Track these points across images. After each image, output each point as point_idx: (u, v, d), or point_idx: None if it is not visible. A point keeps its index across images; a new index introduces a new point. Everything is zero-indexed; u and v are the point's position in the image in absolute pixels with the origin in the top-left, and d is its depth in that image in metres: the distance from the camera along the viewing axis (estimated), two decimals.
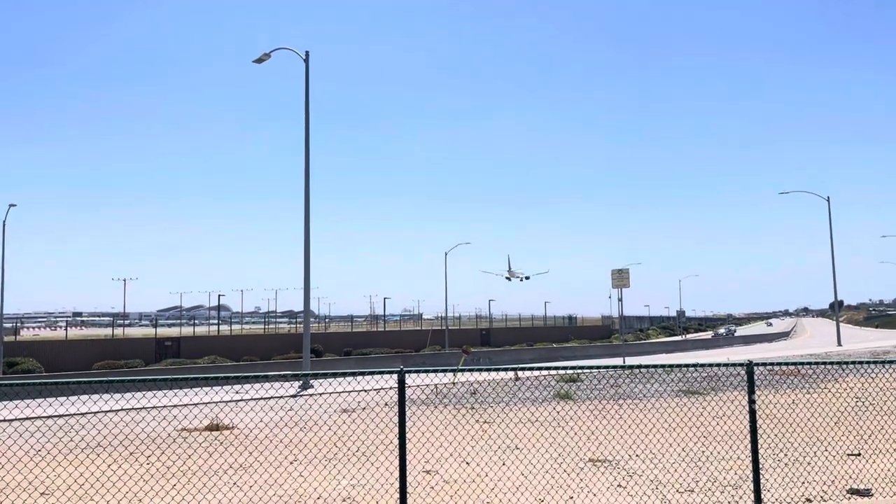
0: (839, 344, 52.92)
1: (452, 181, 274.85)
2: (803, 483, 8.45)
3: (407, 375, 6.93)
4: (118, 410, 16.58)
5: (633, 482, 8.72)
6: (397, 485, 6.86)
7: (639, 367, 9.91)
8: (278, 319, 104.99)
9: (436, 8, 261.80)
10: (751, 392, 7.67)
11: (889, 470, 8.94)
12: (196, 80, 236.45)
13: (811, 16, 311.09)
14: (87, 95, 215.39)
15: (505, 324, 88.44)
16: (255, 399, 19.23)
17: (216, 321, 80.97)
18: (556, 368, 10.81)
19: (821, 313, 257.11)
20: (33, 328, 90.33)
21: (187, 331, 64.58)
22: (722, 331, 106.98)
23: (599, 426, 12.02)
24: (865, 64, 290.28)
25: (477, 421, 14.18)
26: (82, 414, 14.05)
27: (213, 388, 23.31)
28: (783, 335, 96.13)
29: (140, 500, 8.25)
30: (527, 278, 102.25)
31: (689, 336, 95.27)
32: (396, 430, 6.89)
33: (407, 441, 6.85)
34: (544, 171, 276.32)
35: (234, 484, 8.89)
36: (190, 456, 10.82)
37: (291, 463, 10.09)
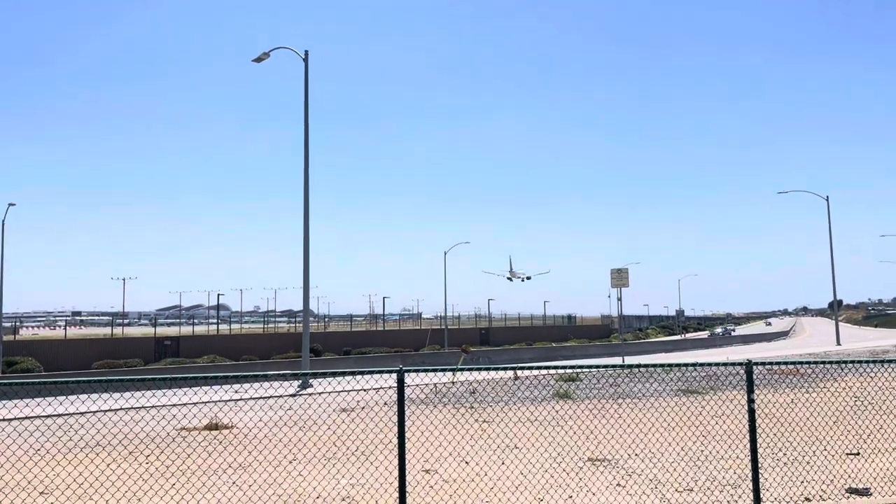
0: (838, 343, 52.97)
1: (452, 181, 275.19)
2: (802, 482, 8.46)
3: (406, 375, 6.93)
4: (117, 410, 16.57)
5: (633, 481, 8.72)
6: (396, 484, 6.86)
7: (638, 366, 9.91)
8: (277, 319, 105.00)
9: (436, 8, 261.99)
10: (750, 391, 7.67)
11: (888, 469, 8.95)
12: (196, 80, 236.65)
13: (811, 16, 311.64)
14: (87, 95, 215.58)
15: (504, 323, 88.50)
16: (254, 398, 19.23)
17: (215, 320, 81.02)
18: (556, 368, 10.80)
19: (820, 313, 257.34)
20: (32, 327, 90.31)
21: (186, 330, 64.50)
22: (719, 330, 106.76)
23: (598, 425, 12.03)
24: (865, 64, 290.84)
25: (476, 420, 14.18)
26: (81, 413, 14.05)
27: (213, 387, 23.31)
28: (782, 334, 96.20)
29: (139, 500, 8.25)
30: (528, 278, 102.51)
31: (688, 335, 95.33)
32: (396, 429, 6.89)
33: (406, 440, 6.85)
34: (544, 171, 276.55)
35: (234, 483, 8.89)
36: (189, 455, 10.82)
37: (291, 462, 10.09)
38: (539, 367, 8.73)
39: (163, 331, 62.09)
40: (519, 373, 22.76)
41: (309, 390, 22.63)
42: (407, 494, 6.93)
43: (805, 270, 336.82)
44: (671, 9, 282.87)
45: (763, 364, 12.72)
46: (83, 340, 51.55)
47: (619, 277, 35.19)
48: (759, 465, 7.72)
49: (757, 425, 7.73)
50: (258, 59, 27.79)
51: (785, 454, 10.08)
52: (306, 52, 27.83)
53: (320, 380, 24.22)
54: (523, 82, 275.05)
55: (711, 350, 58.02)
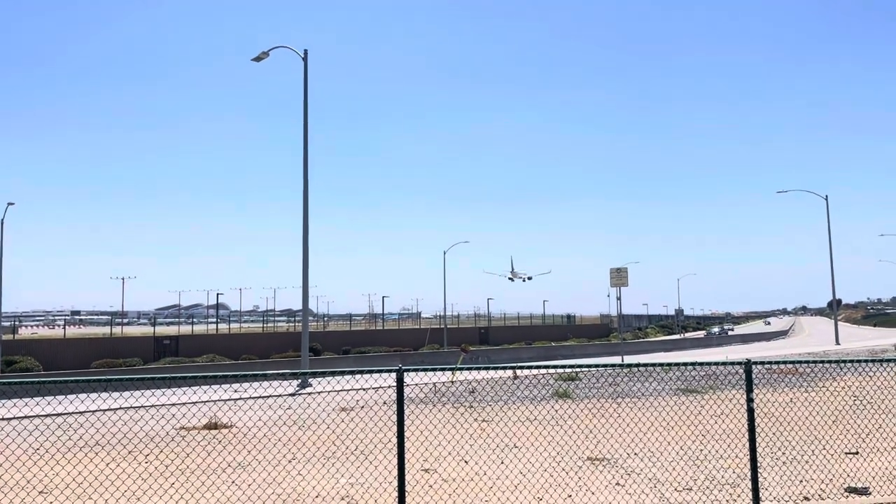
0: (837, 342, 53.03)
1: (452, 181, 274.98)
2: (801, 481, 8.46)
3: (405, 374, 6.93)
4: (116, 409, 16.58)
5: (632, 480, 8.73)
6: (396, 483, 6.87)
7: (637, 365, 9.92)
8: (277, 318, 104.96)
9: (436, 8, 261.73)
10: (749, 390, 7.68)
11: (887, 469, 8.96)
12: (196, 80, 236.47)
13: (811, 16, 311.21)
14: (86, 94, 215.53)
15: (503, 322, 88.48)
16: (253, 398, 19.24)
17: (215, 320, 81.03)
18: (555, 367, 10.82)
19: (819, 312, 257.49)
20: (32, 327, 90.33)
21: (186, 329, 64.47)
22: (715, 330, 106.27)
23: (598, 425, 12.03)
24: (865, 64, 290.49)
25: (475, 419, 14.18)
26: (81, 412, 14.05)
27: (212, 386, 23.33)
28: (781, 334, 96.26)
29: (139, 499, 8.25)
30: (529, 279, 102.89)
31: (687, 335, 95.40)
32: (395, 428, 6.90)
33: (405, 440, 6.86)
34: (544, 171, 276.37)
35: (233, 482, 8.89)
36: (188, 454, 10.81)
37: (290, 461, 10.09)
38: (538, 367, 8.76)
39: (162, 330, 62.03)
40: (518, 372, 22.72)
41: (308, 389, 22.64)
42: (406, 494, 6.93)
43: (804, 270, 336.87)
44: (671, 9, 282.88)
45: (762, 363, 12.72)
46: (82, 340, 51.52)
47: (619, 277, 35.22)
48: (759, 465, 7.73)
49: (756, 424, 7.74)
50: (257, 59, 27.80)
51: (784, 453, 10.09)
52: (305, 52, 27.85)
53: (319, 379, 24.22)
54: (523, 82, 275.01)
55: (710, 349, 58.05)
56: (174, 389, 19.40)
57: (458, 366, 16.97)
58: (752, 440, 7.61)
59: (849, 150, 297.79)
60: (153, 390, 20.19)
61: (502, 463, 9.75)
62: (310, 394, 21.35)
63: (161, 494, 8.26)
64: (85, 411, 14.17)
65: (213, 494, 8.14)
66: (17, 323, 73.87)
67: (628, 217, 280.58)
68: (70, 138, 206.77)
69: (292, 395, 21.26)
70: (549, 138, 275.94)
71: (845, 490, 8.05)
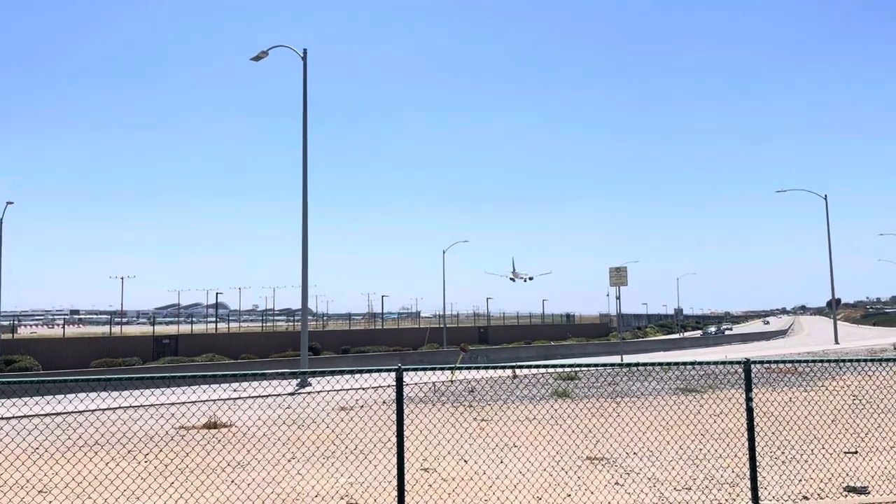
0: (836, 342, 53.05)
1: (452, 180, 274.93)
2: (800, 481, 8.47)
3: (405, 373, 6.93)
4: (116, 408, 16.57)
5: (631, 480, 8.73)
6: (395, 482, 6.87)
7: (636, 365, 9.93)
8: (276, 317, 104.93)
9: (436, 8, 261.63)
10: (748, 390, 7.68)
11: (886, 468, 8.96)
12: (195, 79, 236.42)
13: (811, 16, 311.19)
14: (86, 94, 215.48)
15: (503, 322, 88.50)
16: (252, 397, 19.24)
17: (214, 319, 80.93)
18: (554, 366, 10.83)
19: (818, 311, 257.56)
20: (31, 326, 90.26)
21: (185, 329, 64.42)
22: (712, 329, 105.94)
23: (597, 424, 12.04)
24: (865, 64, 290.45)
25: (475, 419, 14.19)
26: (80, 412, 14.04)
27: (211, 385, 23.33)
28: (780, 333, 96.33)
29: (138, 498, 8.25)
30: (530, 279, 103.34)
31: (687, 334, 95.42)
32: (394, 427, 6.90)
33: (405, 439, 6.86)
34: (544, 171, 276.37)
35: (232, 482, 8.89)
36: (188, 454, 10.81)
37: (289, 461, 10.09)
38: (538, 366, 8.77)
39: (161, 329, 62.04)
40: (518, 371, 22.76)
41: (308, 389, 22.63)
42: (406, 493, 6.93)
43: (803, 269, 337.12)
44: (671, 9, 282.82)
45: (761, 363, 12.72)
46: (81, 339, 51.50)
47: (618, 276, 35.21)
48: (758, 464, 7.73)
49: (755, 424, 7.75)
50: (257, 58, 27.79)
51: (783, 453, 10.09)
52: (305, 51, 27.84)
53: (319, 378, 24.23)
54: (523, 82, 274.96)
55: (710, 349, 58.09)
56: (173, 389, 19.39)
57: (458, 365, 16.97)
58: (752, 439, 7.62)
59: (848, 150, 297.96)
60: (152, 389, 20.20)
61: (501, 462, 9.76)
62: (309, 393, 21.35)
63: (160, 494, 8.26)
64: (84, 410, 14.17)
65: (213, 494, 8.14)
66: (16, 322, 73.77)
67: (628, 217, 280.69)
68: (70, 138, 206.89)
69: (292, 394, 21.26)
70: (549, 138, 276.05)
71: (844, 489, 8.06)
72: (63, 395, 17.61)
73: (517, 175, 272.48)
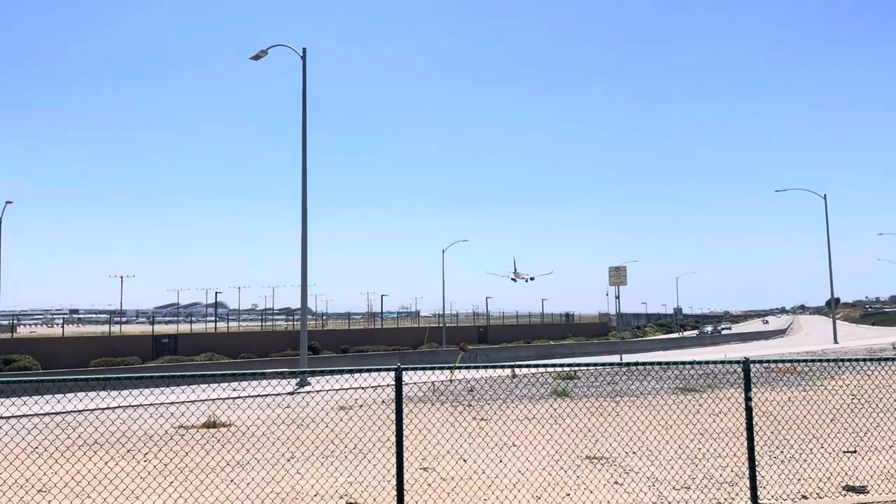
0: (835, 341, 53.08)
1: (451, 180, 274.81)
2: (799, 480, 8.48)
3: (404, 373, 6.94)
4: (115, 408, 16.58)
5: (630, 479, 8.74)
6: (394, 482, 6.88)
7: (636, 364, 9.94)
8: (276, 317, 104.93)
9: (436, 8, 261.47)
10: (747, 389, 7.69)
11: (885, 467, 8.97)
12: (195, 79, 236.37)
13: (811, 16, 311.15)
14: (86, 94, 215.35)
15: (502, 321, 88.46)
16: (252, 396, 19.24)
17: (213, 318, 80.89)
18: (554, 366, 10.82)
19: (817, 311, 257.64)
20: (30, 325, 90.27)
21: (184, 328, 64.41)
22: (708, 329, 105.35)
23: (596, 423, 12.04)
24: (865, 64, 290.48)
25: (474, 418, 14.19)
26: (79, 411, 14.03)
27: (211, 385, 23.32)
28: (780, 333, 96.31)
29: (137, 497, 8.25)
30: (531, 279, 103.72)
31: (685, 334, 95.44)
32: (394, 427, 6.90)
33: (404, 438, 6.86)
34: (544, 171, 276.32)
35: (232, 481, 8.89)
36: (187, 453, 10.82)
37: (289, 460, 10.09)
38: (537, 365, 8.77)
39: (161, 329, 61.91)
40: (517, 371, 22.78)
41: (307, 388, 22.63)
42: (405, 492, 6.94)
43: (803, 269, 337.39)
44: (671, 9, 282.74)
45: (760, 362, 12.75)
46: (81, 338, 51.44)
47: (617, 275, 35.21)
48: (757, 463, 7.74)
49: (754, 423, 7.76)
50: (256, 57, 27.79)
51: (782, 452, 10.10)
52: (304, 50, 27.83)
53: (318, 378, 24.23)
54: (523, 82, 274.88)
55: (709, 348, 58.11)
56: (173, 388, 19.38)
57: (457, 364, 16.97)
58: (751, 439, 7.63)
59: (848, 150, 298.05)
60: (152, 389, 20.18)
61: (501, 461, 9.76)
62: (308, 392, 21.35)
63: (160, 493, 8.26)
64: (83, 410, 14.16)
65: (212, 493, 8.14)
66: (15, 321, 73.79)
67: (628, 217, 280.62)
68: (70, 138, 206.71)
69: (291, 393, 21.25)
70: (549, 138, 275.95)
71: (843, 488, 8.06)
72: (62, 395, 17.61)
73: (517, 175, 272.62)
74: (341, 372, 7.17)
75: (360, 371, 7.43)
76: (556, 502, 7.73)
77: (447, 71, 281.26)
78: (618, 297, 36.73)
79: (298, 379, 24.23)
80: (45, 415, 14.69)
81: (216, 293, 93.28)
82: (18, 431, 12.35)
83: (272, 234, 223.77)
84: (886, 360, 9.47)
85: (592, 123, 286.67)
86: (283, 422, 14.17)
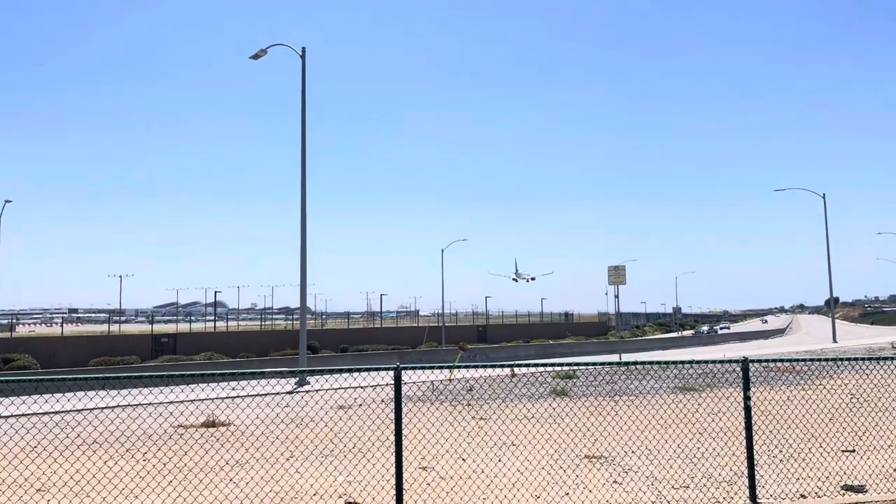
0: (834, 341, 53.12)
1: (452, 181, 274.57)
2: (798, 479, 8.48)
3: (403, 372, 6.94)
4: (114, 407, 16.57)
5: (629, 478, 8.74)
6: (394, 481, 6.88)
7: (635, 363, 9.95)
8: (275, 316, 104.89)
9: (436, 8, 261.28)
10: (746, 388, 7.70)
11: (883, 466, 8.98)
12: (195, 79, 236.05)
13: (811, 16, 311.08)
14: (86, 94, 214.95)
15: (502, 321, 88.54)
16: (251, 395, 19.23)
17: (213, 318, 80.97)
18: (553, 365, 10.84)
19: (816, 310, 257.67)
20: (29, 324, 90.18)
21: (184, 327, 64.42)
22: (704, 328, 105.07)
23: (595, 423, 12.05)
24: (865, 64, 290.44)
25: (473, 417, 14.20)
26: (78, 410, 14.04)
27: (210, 384, 23.33)
28: (779, 332, 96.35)
29: (136, 497, 8.25)
30: (532, 279, 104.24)
31: (685, 333, 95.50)
32: (393, 426, 6.90)
33: (403, 437, 6.87)
34: (544, 171, 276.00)
35: (231, 480, 8.89)
36: (186, 452, 10.82)
37: (288, 459, 10.09)
38: (536, 365, 8.78)
39: (160, 328, 61.91)
40: (516, 370, 22.78)
41: (306, 387, 22.64)
42: (404, 491, 6.94)
43: (802, 268, 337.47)
44: (671, 9, 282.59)
45: (759, 361, 12.76)
46: (80, 337, 51.44)
47: (617, 275, 35.21)
48: (755, 462, 7.75)
49: (753, 422, 7.77)
50: (255, 56, 27.80)
51: (781, 451, 10.11)
52: (303, 49, 27.83)
53: (317, 377, 24.23)
54: (523, 82, 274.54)
55: (708, 347, 58.16)
56: (172, 387, 19.39)
57: (456, 364, 16.97)
58: (749, 438, 7.64)
59: (848, 150, 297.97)
60: (151, 388, 20.18)
61: (500, 461, 9.76)
62: (308, 392, 21.35)
63: (159, 492, 8.26)
64: (82, 409, 14.17)
65: (211, 492, 8.14)
66: (14, 321, 73.76)
67: (628, 217, 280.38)
68: (70, 138, 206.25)
69: (290, 392, 21.25)
70: (549, 138, 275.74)
71: (842, 488, 8.07)
72: (61, 394, 17.61)
73: (517, 175, 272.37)
74: (340, 371, 7.19)
75: (359, 370, 7.43)
76: (556, 501, 7.73)
77: (447, 71, 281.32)
78: (617, 297, 36.77)
79: (297, 378, 24.23)
80: (43, 414, 14.69)
81: (215, 292, 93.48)
82: (17, 431, 12.35)
83: (272, 234, 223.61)
84: (885, 359, 9.48)
85: (592, 123, 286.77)
86: (283, 421, 14.17)
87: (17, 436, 12.14)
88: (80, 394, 16.95)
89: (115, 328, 62.33)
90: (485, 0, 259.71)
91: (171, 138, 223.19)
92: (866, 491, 7.93)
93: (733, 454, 9.78)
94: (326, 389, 20.64)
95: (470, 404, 16.49)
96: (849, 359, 9.23)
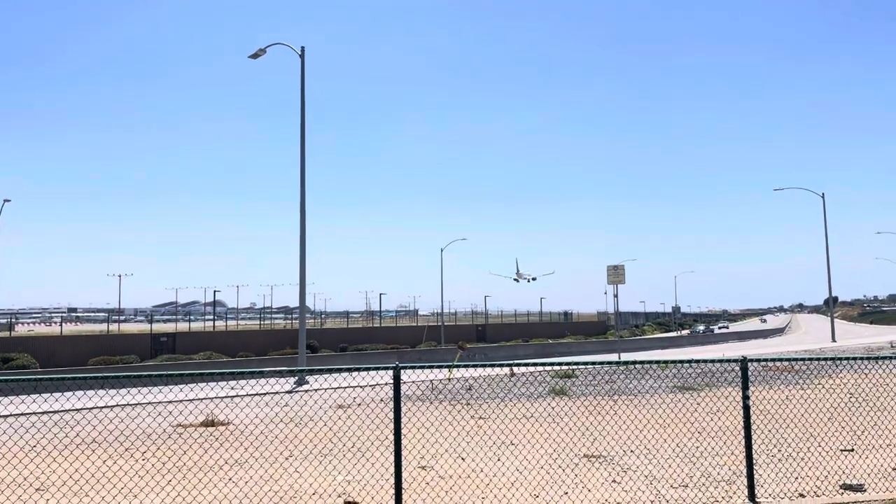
0: (833, 340, 53.15)
1: (452, 181, 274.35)
2: (797, 478, 8.49)
3: (402, 371, 6.94)
4: (113, 406, 16.57)
5: (628, 477, 8.75)
6: (393, 480, 6.88)
7: (634, 363, 9.96)
8: (274, 315, 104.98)
9: (436, 8, 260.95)
10: (745, 388, 7.71)
11: (882, 466, 8.99)
12: (194, 78, 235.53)
13: (811, 16, 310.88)
14: (86, 94, 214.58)
15: (501, 320, 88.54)
16: (250, 395, 19.24)
17: (212, 317, 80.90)
18: (552, 364, 10.84)
19: (815, 309, 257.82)
20: (28, 324, 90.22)
21: (183, 326, 64.43)
22: (700, 328, 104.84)
23: (594, 422, 12.06)
24: (865, 64, 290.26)
25: (472, 417, 14.20)
26: (77, 410, 14.05)
27: (209, 383, 23.34)
28: (778, 331, 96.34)
29: (135, 496, 8.25)
30: (534, 279, 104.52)
31: (684, 332, 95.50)
32: (392, 425, 6.91)
33: (402, 437, 6.87)
34: (544, 171, 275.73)
35: (230, 480, 8.90)
36: (185, 452, 10.82)
37: (287, 459, 10.09)
38: (535, 364, 8.79)
39: (159, 327, 61.87)
40: (515, 369, 22.79)
41: (305, 387, 22.63)
42: (403, 491, 6.94)
43: (801, 267, 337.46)
44: (671, 9, 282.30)
45: (758, 361, 12.77)
46: (79, 337, 51.41)
47: (616, 274, 35.22)
48: (754, 461, 7.76)
49: (752, 422, 7.77)
50: (254, 56, 27.80)
51: (780, 450, 10.12)
52: (302, 49, 27.83)
53: (316, 376, 24.23)
54: (523, 82, 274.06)
55: (707, 347, 58.16)
56: (171, 387, 19.38)
57: (456, 363, 16.98)
58: (748, 437, 7.64)
59: (848, 150, 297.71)
60: (150, 387, 20.18)
61: (499, 460, 9.77)
62: (307, 391, 21.35)
63: (158, 491, 8.26)
64: (81, 408, 14.17)
65: (210, 491, 8.15)
66: (13, 320, 73.78)
67: (628, 217, 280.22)
68: (70, 138, 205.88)
69: (289, 392, 21.25)
70: (549, 138, 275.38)
71: (840, 487, 8.08)
72: (60, 393, 17.60)
73: (517, 175, 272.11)
74: (339, 370, 7.20)
75: (358, 370, 7.44)
76: (554, 501, 7.74)
77: (447, 71, 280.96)
78: (616, 296, 36.79)
79: (297, 377, 24.22)
80: (43, 413, 14.69)
81: (215, 292, 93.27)
82: (16, 430, 12.35)
83: (271, 234, 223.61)
84: (884, 358, 9.49)
85: (592, 123, 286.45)
86: (282, 420, 14.17)
87: (16, 435, 12.14)
88: (79, 393, 16.92)
89: (114, 327, 62.35)
90: (485, 0, 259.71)
91: (171, 138, 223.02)
92: (865, 490, 7.94)
93: (732, 453, 9.79)
94: (325, 389, 20.64)
95: (469, 403, 16.49)
96: (848, 358, 9.24)
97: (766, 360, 9.19)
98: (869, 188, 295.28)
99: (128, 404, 17.49)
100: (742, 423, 7.73)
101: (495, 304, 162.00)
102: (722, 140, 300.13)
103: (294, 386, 22.95)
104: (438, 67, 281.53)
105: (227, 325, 74.00)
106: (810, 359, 9.14)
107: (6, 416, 15.30)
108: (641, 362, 9.28)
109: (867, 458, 9.41)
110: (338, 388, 20.47)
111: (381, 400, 17.30)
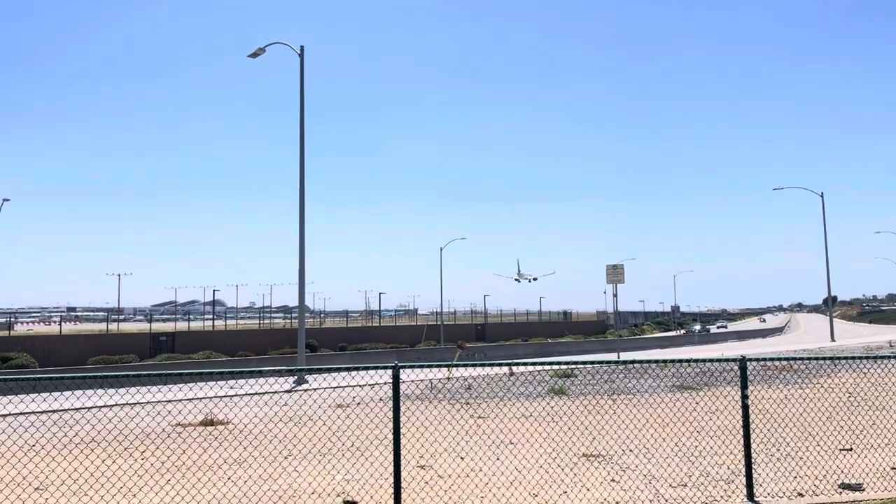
0: (832, 339, 53.19)
1: (452, 181, 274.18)
2: (795, 477, 8.50)
3: (402, 370, 6.95)
4: (112, 406, 16.55)
5: (627, 477, 8.76)
6: (392, 479, 6.89)
7: (633, 362, 9.97)
8: (273, 314, 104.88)
9: (436, 8, 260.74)
10: (744, 387, 7.71)
11: (881, 465, 9.00)
12: (194, 78, 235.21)
13: (811, 16, 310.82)
14: (86, 94, 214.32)
15: (500, 319, 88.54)
16: (249, 394, 19.24)
17: (211, 316, 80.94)
18: (551, 364, 10.85)
19: (815, 309, 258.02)
20: (27, 323, 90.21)
21: (182, 326, 64.44)
22: (696, 328, 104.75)
23: (593, 421, 12.06)
24: (865, 64, 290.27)
25: (471, 416, 14.21)
26: (76, 409, 14.05)
27: (208, 383, 23.34)
28: (777, 331, 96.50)
29: (134, 495, 8.25)
30: (535, 280, 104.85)
31: (683, 331, 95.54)
32: (391, 425, 6.91)
33: (401, 436, 6.87)
34: (544, 171, 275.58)
35: (229, 479, 8.90)
36: (184, 451, 10.82)
37: (286, 458, 10.09)
38: (534, 363, 8.79)
39: (158, 327, 61.85)
40: (514, 368, 22.78)
41: (304, 386, 22.64)
42: (402, 490, 6.95)
43: (801, 267, 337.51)
44: (671, 9, 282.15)
45: (757, 360, 12.76)
46: (78, 336, 51.41)
47: (615, 273, 35.22)
48: (753, 461, 7.77)
49: (750, 421, 7.78)
50: (254, 55, 27.79)
51: (778, 450, 10.13)
52: (302, 48, 27.81)
53: (316, 375, 24.23)
54: (523, 82, 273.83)
55: (706, 346, 58.22)
56: (170, 386, 19.38)
57: (455, 362, 16.98)
58: (747, 436, 7.65)
59: (847, 150, 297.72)
60: (149, 387, 20.17)
61: (498, 459, 9.77)
62: (306, 390, 21.35)
63: (157, 491, 8.26)
64: (81, 408, 14.17)
65: (209, 491, 8.15)
66: (12, 319, 73.67)
67: (628, 217, 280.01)
68: (70, 138, 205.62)
69: (288, 391, 21.25)
70: (549, 138, 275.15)
71: (839, 486, 8.09)
72: (59, 393, 17.59)
73: (517, 175, 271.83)
74: (339, 370, 7.21)
75: (357, 369, 7.45)
76: (553, 500, 7.75)
77: (447, 71, 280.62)
78: (615, 296, 36.77)
79: (296, 377, 24.22)
80: (42, 412, 14.70)
81: (214, 291, 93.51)
82: (16, 429, 12.35)
83: (271, 233, 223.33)
84: (883, 358, 9.50)
85: (592, 123, 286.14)
86: (281, 419, 14.17)
87: (15, 434, 12.14)
88: (78, 392, 16.89)
89: (113, 327, 62.29)
90: (484, 0, 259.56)
91: (171, 138, 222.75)
92: (864, 489, 7.95)
93: (731, 453, 9.79)
94: (325, 388, 20.63)
95: (468, 403, 16.50)
96: (847, 357, 9.24)
97: (764, 359, 9.20)
98: (868, 188, 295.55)
99: (127, 403, 17.48)
100: (741, 422, 7.74)
101: (495, 303, 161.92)
102: (722, 140, 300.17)
103: (293, 385, 22.95)
104: (438, 67, 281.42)
105: (226, 325, 74.03)
106: (809, 358, 9.15)
107: (5, 416, 15.30)
108: (641, 362, 9.29)
109: (866, 457, 9.42)
110: (337, 387, 20.47)
111: (381, 399, 17.31)
